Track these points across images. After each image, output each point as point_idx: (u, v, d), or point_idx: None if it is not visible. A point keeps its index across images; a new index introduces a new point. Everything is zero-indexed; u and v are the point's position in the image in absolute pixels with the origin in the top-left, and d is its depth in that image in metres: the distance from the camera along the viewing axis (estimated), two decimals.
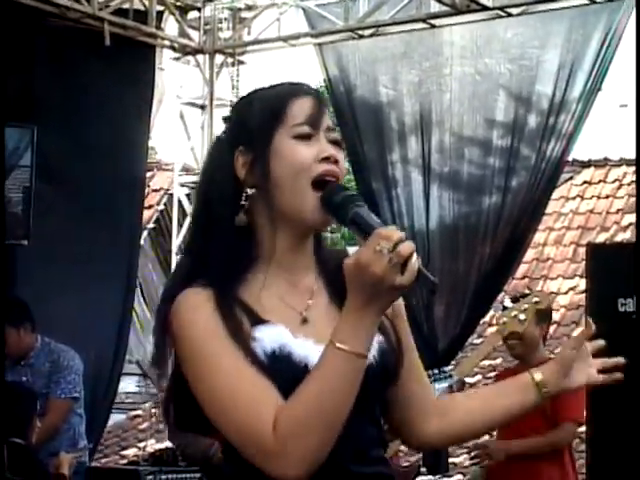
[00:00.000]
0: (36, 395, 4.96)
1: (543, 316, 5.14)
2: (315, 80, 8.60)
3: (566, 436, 5.12)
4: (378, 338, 1.86)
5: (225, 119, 2.00)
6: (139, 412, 11.89)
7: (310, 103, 1.90)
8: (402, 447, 4.89)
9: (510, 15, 6.91)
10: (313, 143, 1.88)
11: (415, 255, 1.68)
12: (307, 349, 1.80)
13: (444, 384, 4.72)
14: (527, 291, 7.53)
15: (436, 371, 4.82)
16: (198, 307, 1.81)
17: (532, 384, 2.06)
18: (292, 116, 1.88)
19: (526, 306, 4.73)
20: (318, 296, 1.92)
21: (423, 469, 6.75)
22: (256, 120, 1.90)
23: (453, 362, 6.86)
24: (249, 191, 1.88)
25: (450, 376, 4.78)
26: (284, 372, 1.77)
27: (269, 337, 1.80)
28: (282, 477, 1.73)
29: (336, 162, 1.88)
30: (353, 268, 1.70)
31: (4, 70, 5.85)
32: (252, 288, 1.86)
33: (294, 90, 1.93)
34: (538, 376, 2.06)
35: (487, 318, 8.76)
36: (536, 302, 4.70)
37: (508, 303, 4.98)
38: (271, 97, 1.93)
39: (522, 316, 4.67)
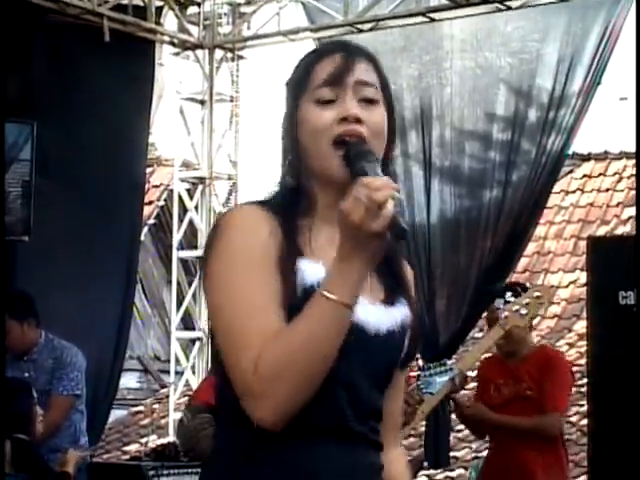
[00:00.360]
0: (30, 386, 4.95)
1: (501, 291, 5.17)
2: None
3: (551, 424, 5.10)
4: (406, 313, 1.91)
5: None
6: (140, 408, 11.89)
7: (334, 61, 1.89)
8: (404, 442, 4.91)
9: (510, 8, 6.90)
10: (336, 104, 1.87)
11: (391, 201, 1.68)
12: None
13: (444, 377, 4.74)
14: (527, 284, 7.53)
15: (437, 364, 4.83)
16: (254, 219, 1.84)
17: None
18: (314, 80, 1.89)
19: (527, 300, 4.77)
20: None
21: (425, 463, 6.76)
22: (289, 87, 1.94)
23: (455, 356, 6.87)
24: (288, 155, 1.92)
25: (451, 369, 4.79)
26: None
27: (310, 271, 1.81)
28: (259, 420, 1.74)
29: (358, 121, 1.85)
30: (339, 216, 1.72)
31: (4, 66, 5.84)
32: (302, 230, 1.88)
33: (323, 51, 1.94)
34: None
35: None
36: (537, 297, 4.75)
37: (509, 297, 4.99)
38: (302, 62, 1.95)
39: (524, 310, 4.74)
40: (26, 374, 5.64)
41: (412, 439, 8.44)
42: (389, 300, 1.91)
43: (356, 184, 1.71)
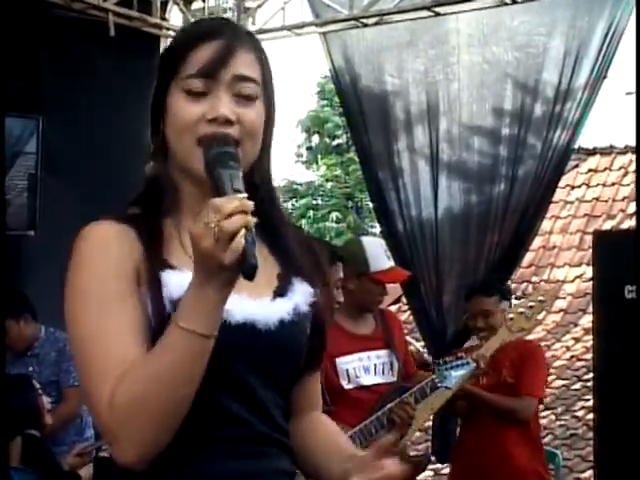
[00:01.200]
0: (30, 379, 4.97)
1: (508, 300, 5.27)
2: (321, 69, 8.58)
3: (526, 407, 5.19)
4: (299, 301, 1.77)
5: None
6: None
7: (212, 50, 1.72)
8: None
9: (515, 2, 6.87)
10: (208, 98, 1.72)
11: (242, 232, 1.53)
12: None
13: (460, 371, 4.67)
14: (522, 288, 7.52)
15: (452, 358, 4.77)
16: (105, 239, 1.72)
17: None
18: (187, 67, 1.73)
19: (532, 304, 4.83)
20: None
21: (432, 457, 6.75)
22: (160, 66, 1.79)
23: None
24: (154, 139, 1.79)
25: (467, 363, 4.71)
26: None
27: (177, 283, 1.67)
28: (119, 460, 1.63)
29: (229, 122, 1.71)
30: (191, 239, 1.57)
31: (4, 61, 5.83)
32: (168, 234, 1.76)
33: (200, 34, 1.75)
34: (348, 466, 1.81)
35: None
36: (541, 301, 4.83)
37: (514, 300, 5.11)
38: (176, 42, 1.80)
39: (529, 313, 4.77)
40: (30, 368, 5.66)
41: (418, 433, 8.44)
42: (280, 291, 1.78)
43: (207, 206, 1.54)
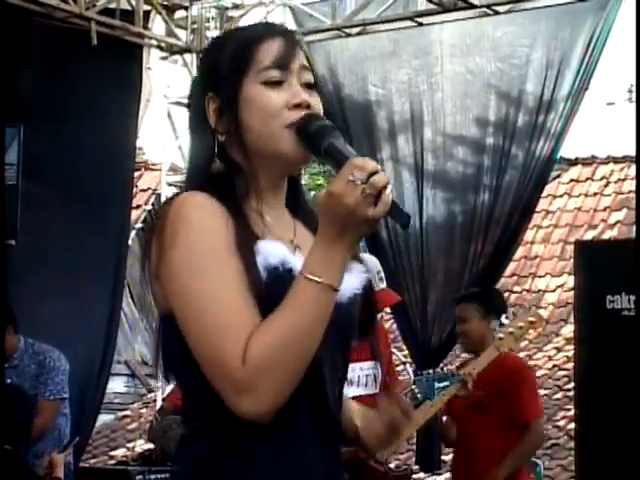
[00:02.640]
0: (30, 399, 4.93)
1: (491, 310, 5.21)
2: None
3: (539, 432, 5.22)
4: (362, 279, 1.86)
5: (200, 60, 1.99)
6: (127, 412, 11.87)
7: (279, 44, 1.83)
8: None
9: (497, 13, 6.92)
10: (284, 88, 1.82)
11: (390, 187, 1.64)
12: None
13: (444, 383, 4.66)
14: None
15: (436, 370, 4.84)
16: (207, 207, 1.75)
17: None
18: (259, 60, 1.82)
19: (522, 324, 4.84)
20: (300, 230, 1.88)
21: (415, 467, 6.75)
22: (224, 66, 1.85)
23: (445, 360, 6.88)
24: (220, 138, 1.84)
25: (452, 375, 4.72)
26: (285, 287, 1.70)
27: (271, 251, 1.75)
28: (251, 412, 1.67)
29: (308, 107, 1.81)
30: (326, 198, 1.66)
31: (3, 70, 5.82)
32: (249, 214, 1.82)
33: (262, 32, 1.87)
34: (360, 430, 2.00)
35: None
36: (532, 322, 4.84)
37: (504, 320, 5.10)
38: (240, 41, 1.87)
39: (518, 334, 4.80)
40: (8, 380, 5.62)
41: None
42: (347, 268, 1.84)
43: (347, 165, 1.64)
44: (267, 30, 1.87)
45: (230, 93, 1.83)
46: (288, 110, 1.80)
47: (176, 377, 1.84)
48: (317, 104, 1.84)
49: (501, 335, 4.82)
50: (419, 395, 4.59)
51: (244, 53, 1.83)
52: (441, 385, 4.63)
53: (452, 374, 4.71)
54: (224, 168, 1.84)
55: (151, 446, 7.33)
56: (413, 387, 4.63)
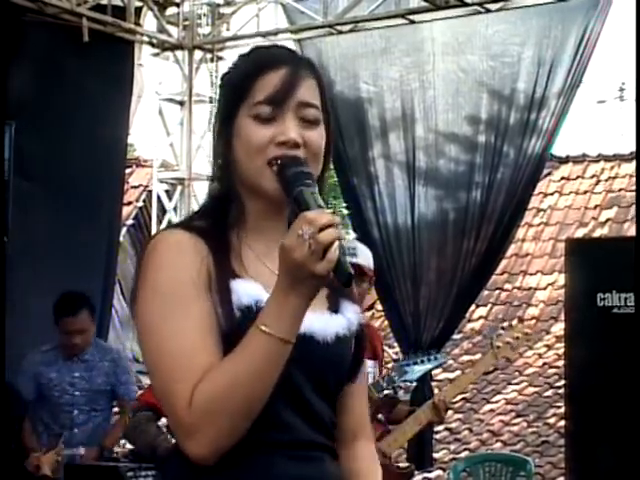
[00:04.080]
0: (23, 398, 4.91)
1: None
2: None
3: None
4: (351, 319, 1.88)
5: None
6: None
7: (280, 78, 1.82)
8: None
9: (489, 11, 6.92)
10: (275, 123, 1.82)
11: (337, 243, 1.63)
12: None
13: (426, 365, 4.77)
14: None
15: (418, 353, 4.86)
16: (181, 245, 1.78)
17: None
18: (255, 94, 1.83)
19: (518, 335, 4.93)
20: None
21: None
22: (225, 93, 1.89)
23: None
24: (219, 160, 1.87)
25: (435, 358, 4.82)
26: None
27: (245, 291, 1.76)
28: (194, 454, 1.70)
29: (297, 145, 1.81)
30: (280, 250, 1.66)
31: (4, 66, 5.81)
32: (234, 247, 1.84)
33: (267, 62, 1.85)
34: None
35: (467, 314, 8.77)
36: (527, 333, 4.96)
37: (500, 330, 5.21)
38: (243, 70, 1.88)
39: (515, 344, 4.91)
40: (77, 374, 5.62)
41: None
42: (333, 308, 1.88)
43: (299, 219, 1.65)
44: (271, 60, 1.86)
45: (224, 121, 1.86)
46: (274, 146, 1.80)
47: None
48: (315, 140, 1.83)
49: (499, 344, 4.91)
50: (396, 378, 4.67)
51: (242, 84, 1.84)
52: (420, 368, 4.73)
53: (435, 357, 4.79)
54: (218, 192, 1.87)
55: None
56: (391, 373, 4.70)
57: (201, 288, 1.74)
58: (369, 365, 4.65)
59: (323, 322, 1.82)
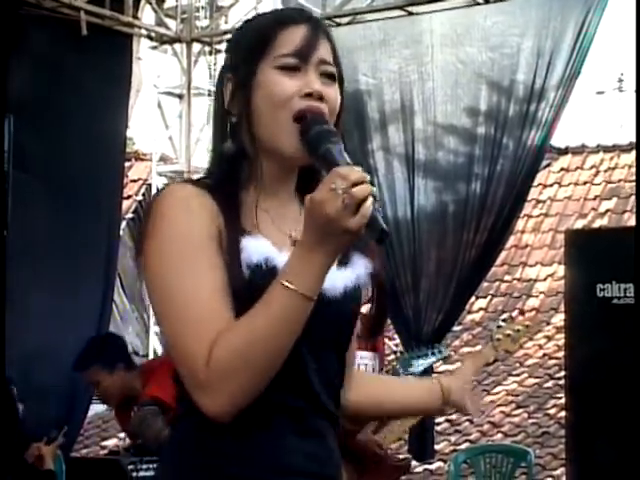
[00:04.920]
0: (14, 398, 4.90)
1: None
2: None
3: None
4: (362, 270, 1.85)
5: (228, 41, 2.02)
6: None
7: (303, 33, 1.82)
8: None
9: (487, 2, 6.90)
10: (299, 76, 1.80)
11: (370, 199, 1.60)
12: None
13: (429, 359, 4.79)
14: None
15: (421, 347, 4.91)
16: (190, 200, 1.74)
17: (439, 390, 2.14)
18: (279, 46, 1.81)
19: (519, 327, 4.97)
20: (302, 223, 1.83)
21: (408, 456, 6.77)
22: (244, 48, 1.84)
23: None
24: (233, 119, 1.83)
25: (440, 351, 4.87)
26: (266, 285, 1.68)
27: (255, 248, 1.73)
28: (209, 411, 1.68)
29: (321, 98, 1.80)
30: (308, 204, 1.63)
31: (4, 66, 5.79)
32: (245, 205, 1.81)
33: (288, 18, 1.85)
34: (446, 384, 2.14)
35: (467, 306, 8.77)
36: (527, 326, 4.96)
37: (501, 322, 5.29)
38: (263, 24, 1.86)
39: (515, 336, 4.90)
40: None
41: None
42: (343, 261, 1.83)
43: (331, 173, 1.62)
44: (294, 16, 1.85)
45: (245, 74, 1.81)
46: (299, 98, 1.78)
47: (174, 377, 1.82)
48: (334, 96, 1.83)
49: (499, 336, 4.91)
50: (401, 371, 4.68)
51: (265, 36, 1.81)
52: (424, 361, 4.75)
53: (440, 350, 4.85)
54: (233, 150, 1.83)
55: None
56: (395, 363, 4.77)
57: (211, 244, 1.71)
58: (368, 357, 4.70)
59: (331, 278, 1.76)
